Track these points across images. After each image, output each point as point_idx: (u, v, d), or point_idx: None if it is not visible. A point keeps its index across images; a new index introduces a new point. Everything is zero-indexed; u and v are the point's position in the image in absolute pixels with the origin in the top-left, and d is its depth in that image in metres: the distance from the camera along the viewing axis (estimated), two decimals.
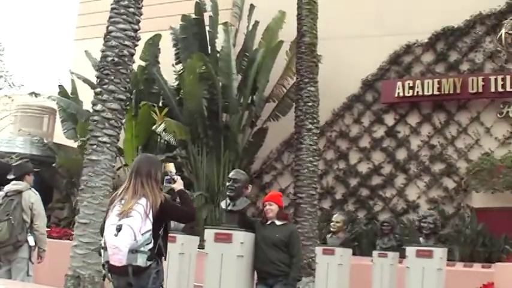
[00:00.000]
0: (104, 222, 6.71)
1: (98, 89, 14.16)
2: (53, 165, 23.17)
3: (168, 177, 7.31)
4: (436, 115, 22.17)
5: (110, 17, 14.50)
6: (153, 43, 22.68)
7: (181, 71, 22.74)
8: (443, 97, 21.75)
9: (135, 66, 22.66)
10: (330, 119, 22.97)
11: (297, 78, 18.77)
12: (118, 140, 14.52)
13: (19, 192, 10.54)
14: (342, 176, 22.87)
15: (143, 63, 22.80)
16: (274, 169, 23.56)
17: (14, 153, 22.39)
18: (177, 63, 22.95)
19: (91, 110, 23.15)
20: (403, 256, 13.36)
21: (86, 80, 23.30)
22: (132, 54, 14.55)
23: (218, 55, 22.56)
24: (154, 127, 20.15)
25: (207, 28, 22.98)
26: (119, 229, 6.35)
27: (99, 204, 13.59)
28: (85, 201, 13.64)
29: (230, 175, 10.04)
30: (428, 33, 22.52)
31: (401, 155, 22.42)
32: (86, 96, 23.76)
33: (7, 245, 10.33)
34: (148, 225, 6.35)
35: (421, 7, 22.42)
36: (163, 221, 6.56)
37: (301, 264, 9.48)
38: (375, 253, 16.25)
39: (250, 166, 23.03)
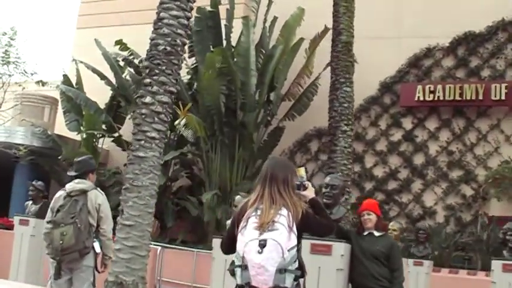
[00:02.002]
0: (229, 236, 5.52)
1: (147, 80, 12.64)
2: (59, 157, 21.41)
3: (298, 183, 5.96)
4: (455, 121, 21.15)
5: (162, 3, 12.97)
6: None
7: (194, 65, 21.24)
8: (464, 103, 20.76)
9: None
10: None
11: (331, 77, 17.53)
12: (167, 136, 13.03)
13: (84, 192, 8.91)
14: (357, 180, 21.61)
15: None
16: None
17: (16, 144, 20.62)
18: (190, 57, 21.40)
19: (97, 101, 22.05)
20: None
21: (95, 70, 21.61)
22: (184, 44, 13.09)
23: (233, 50, 21.12)
24: (176, 122, 18.53)
25: (223, 22, 21.44)
26: (263, 245, 5.07)
27: (145, 205, 12.23)
28: (130, 201, 12.22)
29: (327, 180, 8.66)
30: (449, 37, 21.47)
31: (418, 159, 21.33)
32: (90, 87, 22.25)
33: (73, 252, 8.70)
34: (294, 240, 5.16)
35: (441, 10, 21.34)
36: (301, 235, 5.37)
37: (403, 279, 8.20)
38: (410, 261, 15.11)
39: None
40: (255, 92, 20.43)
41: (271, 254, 5.03)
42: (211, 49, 20.82)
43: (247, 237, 5.18)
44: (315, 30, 21.27)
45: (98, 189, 9.16)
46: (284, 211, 5.25)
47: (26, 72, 18.96)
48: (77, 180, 9.04)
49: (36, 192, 13.75)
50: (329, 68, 18.97)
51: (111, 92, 22.63)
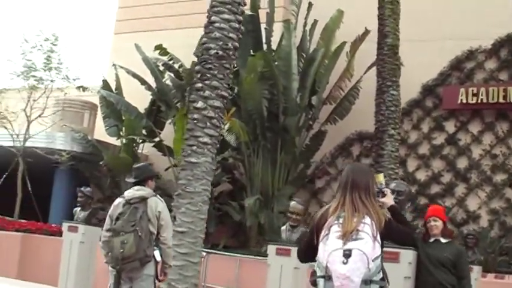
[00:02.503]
0: (308, 245, 5.33)
1: (199, 84, 12.40)
2: (100, 163, 21.22)
3: (378, 189, 5.67)
4: (499, 124, 20.63)
5: (213, 6, 12.71)
6: None
7: (235, 69, 20.91)
8: (507, 105, 20.24)
9: (188, 63, 21.12)
10: None
11: (378, 81, 17.22)
12: (219, 142, 12.75)
13: (143, 199, 8.61)
14: None
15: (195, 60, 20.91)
16: (327, 174, 21.76)
17: (57, 149, 20.43)
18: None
19: (136, 106, 21.82)
20: None
21: (135, 75, 21.40)
22: (236, 48, 12.83)
23: (274, 53, 20.83)
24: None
25: (262, 26, 21.13)
26: (348, 255, 4.83)
27: (198, 212, 12.07)
28: (182, 207, 12.04)
29: (392, 186, 8.28)
30: (492, 39, 20.92)
31: (462, 163, 20.83)
32: (129, 92, 22.08)
33: (133, 260, 8.41)
34: (378, 250, 4.93)
35: (483, 12, 20.81)
36: (383, 243, 5.14)
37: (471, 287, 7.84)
38: None
39: (307, 171, 21.23)
40: (297, 95, 20.09)
41: (356, 265, 4.81)
42: (252, 53, 20.54)
43: (330, 246, 4.94)
44: (354, 33, 20.88)
45: (158, 196, 8.90)
46: (367, 219, 5.04)
47: (68, 77, 18.75)
48: (136, 187, 8.78)
49: (84, 199, 13.54)
50: (370, 70, 18.62)
51: (150, 97, 22.41)
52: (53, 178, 23.26)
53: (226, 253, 17.56)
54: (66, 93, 19.37)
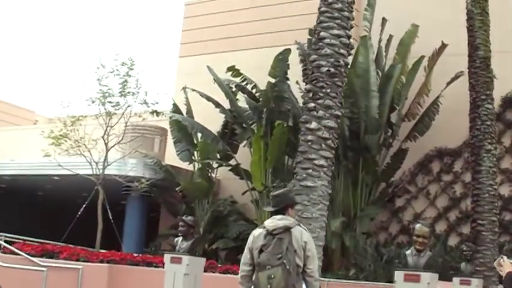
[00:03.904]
0: None
1: (312, 104, 11.54)
2: (177, 189, 20.38)
3: None
4: None
5: (321, 21, 11.90)
6: (283, 58, 20.06)
7: None
8: None
9: (263, 83, 20.30)
10: (467, 139, 20.00)
11: (471, 95, 16.27)
12: (333, 164, 11.82)
13: (287, 230, 7.65)
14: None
15: (272, 80, 20.11)
16: (407, 192, 20.72)
17: (136, 177, 19.67)
18: (304, 80, 20.18)
19: (211, 129, 21.02)
20: None
21: (209, 98, 20.59)
22: (347, 64, 11.94)
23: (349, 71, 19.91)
24: None
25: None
26: None
27: (315, 238, 11.06)
28: None
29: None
30: None
31: None
32: (199, 114, 21.31)
33: None
34: None
35: None
36: None
37: None
38: None
39: (388, 190, 20.22)
40: (378, 113, 19.15)
41: None
42: None
43: None
44: (429, 47, 19.91)
45: (301, 225, 7.96)
46: None
47: (146, 102, 17.97)
48: (278, 217, 7.84)
49: (187, 228, 12.67)
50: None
51: (221, 119, 21.63)
52: (124, 206, 22.54)
53: (345, 280, 16.46)
54: (144, 119, 18.58)
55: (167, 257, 12.63)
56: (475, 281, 13.97)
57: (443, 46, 19.61)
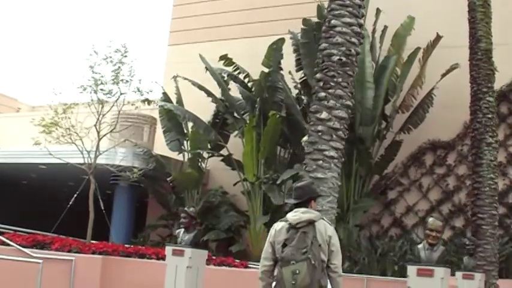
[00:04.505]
0: None
1: (322, 94, 11.14)
2: (168, 179, 19.89)
3: None
4: None
5: (332, 9, 11.51)
6: (277, 48, 19.70)
7: (303, 79, 19.69)
8: None
9: (253, 73, 19.88)
10: (461, 132, 19.91)
11: (472, 87, 15.97)
12: (343, 155, 11.45)
13: (311, 223, 7.24)
14: (469, 193, 19.76)
15: (265, 69, 19.69)
16: (399, 185, 20.42)
17: (118, 166, 19.07)
18: (297, 70, 19.85)
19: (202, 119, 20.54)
20: None
21: (201, 87, 20.11)
22: (358, 54, 11.53)
23: None
24: (304, 138, 16.75)
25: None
26: None
27: None
28: None
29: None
30: None
31: None
32: (189, 104, 20.86)
33: None
34: None
35: None
36: None
37: None
38: None
39: (381, 182, 19.92)
40: (372, 104, 18.82)
41: None
42: None
43: None
44: (423, 39, 19.60)
45: (325, 218, 7.54)
46: None
47: (140, 90, 17.40)
48: (302, 209, 7.43)
49: (189, 220, 12.19)
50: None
51: (211, 109, 21.18)
52: (109, 195, 21.99)
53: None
54: (137, 107, 18.01)
55: (168, 249, 12.19)
56: (478, 276, 13.75)
57: (438, 38, 19.32)
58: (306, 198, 7.57)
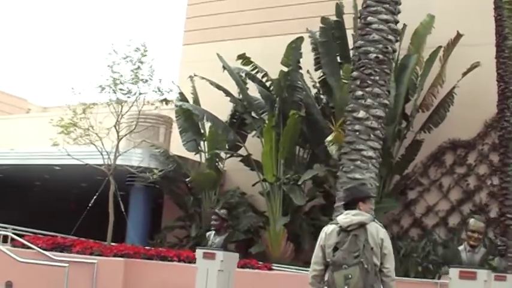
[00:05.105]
0: None
1: (359, 92, 10.82)
2: (186, 180, 19.54)
3: None
4: None
5: (367, 5, 11.17)
6: (296, 47, 19.33)
7: (322, 77, 19.37)
8: None
9: (271, 72, 19.54)
10: (482, 131, 19.53)
11: (499, 86, 15.66)
12: (381, 155, 11.09)
13: (362, 225, 6.93)
14: (497, 193, 19.39)
15: (285, 69, 19.35)
16: (419, 185, 20.07)
17: (138, 167, 18.72)
18: (316, 69, 19.53)
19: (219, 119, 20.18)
20: None
21: (219, 87, 19.77)
22: (395, 51, 11.17)
23: None
24: (328, 138, 16.36)
25: (349, 32, 19.50)
26: None
27: None
28: None
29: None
30: None
31: None
32: (205, 104, 20.53)
33: None
34: None
35: None
36: None
37: None
38: None
39: (402, 182, 19.56)
40: (393, 103, 18.45)
41: None
42: (339, 60, 18.99)
43: None
44: (442, 38, 19.25)
45: (376, 221, 7.21)
46: None
47: (160, 90, 17.04)
48: (353, 212, 7.14)
49: (220, 222, 11.87)
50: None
51: (228, 108, 20.82)
52: (123, 197, 21.60)
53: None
54: (157, 107, 17.66)
55: (199, 253, 11.87)
56: (510, 277, 13.40)
57: (459, 36, 18.98)
58: (355, 200, 7.27)
